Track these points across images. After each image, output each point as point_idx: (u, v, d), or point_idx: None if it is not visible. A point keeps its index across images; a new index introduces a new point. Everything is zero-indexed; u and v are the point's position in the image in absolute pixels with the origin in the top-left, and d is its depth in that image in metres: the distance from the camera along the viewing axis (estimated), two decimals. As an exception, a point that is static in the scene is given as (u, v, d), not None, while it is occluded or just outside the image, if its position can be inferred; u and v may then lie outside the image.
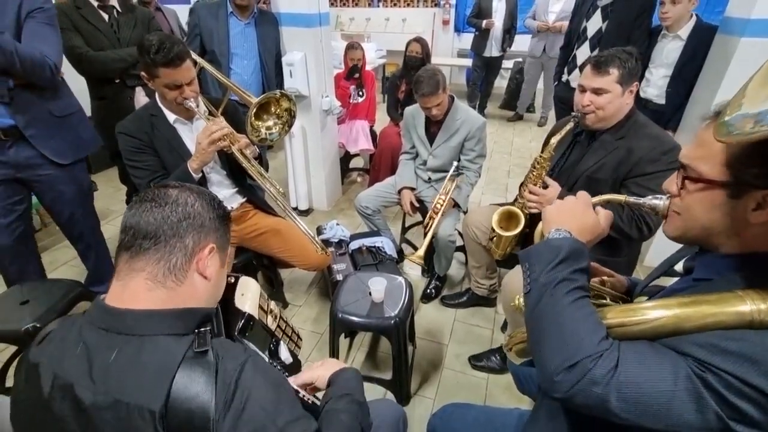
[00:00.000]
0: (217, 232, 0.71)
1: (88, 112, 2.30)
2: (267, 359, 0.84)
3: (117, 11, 2.08)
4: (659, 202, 0.72)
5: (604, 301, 0.88)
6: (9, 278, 1.86)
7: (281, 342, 0.98)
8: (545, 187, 1.51)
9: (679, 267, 0.78)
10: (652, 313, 0.61)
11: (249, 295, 0.88)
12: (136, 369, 0.58)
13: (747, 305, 0.54)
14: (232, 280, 0.88)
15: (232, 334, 0.82)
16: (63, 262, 2.49)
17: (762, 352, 0.51)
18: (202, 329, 0.64)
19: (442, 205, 2.03)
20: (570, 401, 0.61)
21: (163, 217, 0.65)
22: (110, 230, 2.89)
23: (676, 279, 0.78)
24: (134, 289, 0.63)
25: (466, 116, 2.11)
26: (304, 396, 0.80)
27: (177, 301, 0.65)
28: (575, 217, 0.78)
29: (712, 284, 0.63)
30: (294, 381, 0.83)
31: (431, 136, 2.20)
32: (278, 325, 0.98)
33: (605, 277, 0.94)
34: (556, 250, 0.69)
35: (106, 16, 2.05)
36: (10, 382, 1.71)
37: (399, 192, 2.26)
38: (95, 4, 2.01)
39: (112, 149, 2.26)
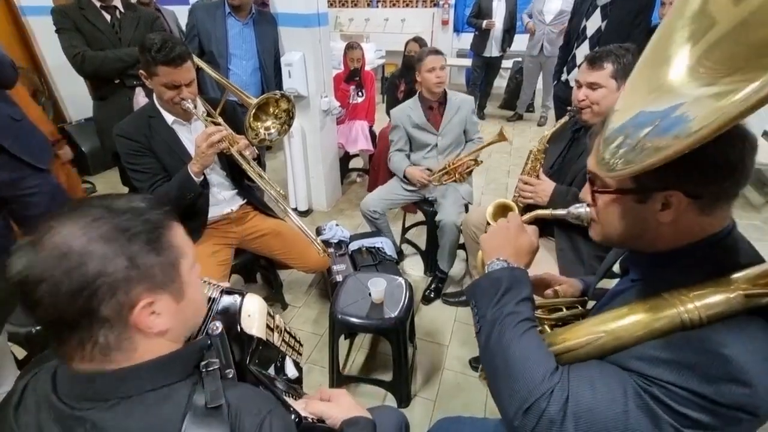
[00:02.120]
0: (144, 273, 0.51)
1: (89, 113, 2.30)
2: (273, 374, 0.81)
3: (119, 11, 2.07)
4: (582, 210, 0.73)
5: (561, 313, 0.88)
6: None
7: (287, 357, 0.95)
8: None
9: (616, 267, 0.79)
10: (594, 331, 0.61)
11: (256, 316, 0.81)
12: None
13: (675, 308, 0.54)
14: (237, 299, 0.81)
15: (242, 364, 0.76)
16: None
17: (695, 357, 0.51)
18: (211, 369, 0.55)
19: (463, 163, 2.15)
20: None
21: (51, 294, 0.46)
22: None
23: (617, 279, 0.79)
24: (82, 367, 0.51)
25: (457, 97, 2.23)
26: (314, 420, 0.76)
27: (144, 358, 0.53)
28: (509, 241, 0.78)
29: (645, 283, 0.64)
30: (304, 409, 0.78)
31: (435, 120, 2.21)
32: (282, 339, 0.92)
33: (557, 286, 0.94)
34: (497, 283, 0.69)
35: (108, 17, 2.04)
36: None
37: (404, 176, 2.24)
38: (98, 4, 2.00)
39: (112, 150, 2.25)
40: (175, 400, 0.51)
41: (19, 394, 0.55)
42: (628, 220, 0.63)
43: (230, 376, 0.65)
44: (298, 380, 0.96)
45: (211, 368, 0.55)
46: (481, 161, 2.21)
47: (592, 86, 1.39)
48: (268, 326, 0.85)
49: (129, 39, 2.09)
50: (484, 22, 4.41)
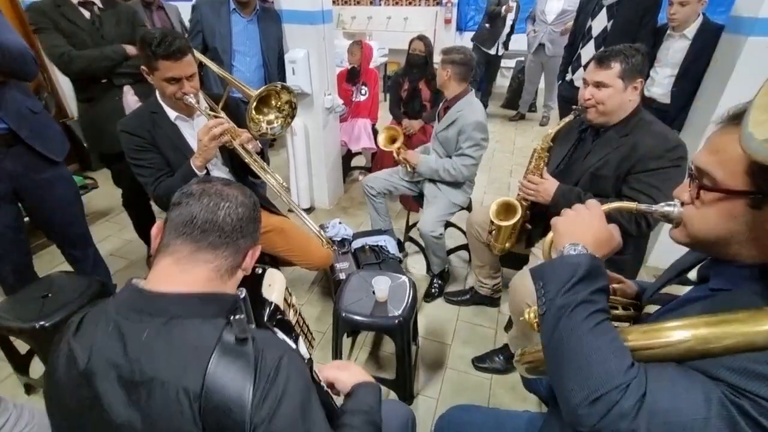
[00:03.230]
0: (260, 234, 0.76)
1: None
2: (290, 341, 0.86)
3: (98, 7, 1.97)
4: (672, 209, 0.68)
5: (617, 311, 0.86)
6: (9, 286, 1.79)
7: (300, 337, 0.98)
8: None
9: (691, 274, 0.74)
10: (679, 334, 0.58)
11: (276, 286, 0.90)
12: (169, 349, 0.59)
13: None
14: (260, 271, 0.92)
15: (261, 322, 0.85)
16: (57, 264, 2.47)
17: None
18: (237, 317, 0.66)
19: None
20: None
21: (238, 218, 0.69)
22: (111, 227, 2.88)
23: (688, 287, 0.74)
24: (195, 276, 0.66)
25: (466, 108, 2.03)
26: (323, 386, 0.82)
27: (220, 289, 0.68)
28: (590, 229, 0.73)
29: (731, 295, 0.60)
30: (318, 372, 0.84)
31: (441, 118, 2.19)
32: (297, 321, 1.00)
33: (615, 285, 0.91)
34: (574, 268, 0.65)
35: (87, 14, 1.94)
36: (32, 372, 1.72)
37: None
38: (75, 1, 1.90)
39: (103, 151, 2.18)
40: (209, 331, 0.61)
41: (77, 324, 0.66)
42: (731, 224, 0.58)
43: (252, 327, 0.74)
44: (308, 363, 0.98)
45: (238, 316, 0.66)
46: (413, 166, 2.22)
47: (599, 85, 1.38)
48: (285, 301, 0.93)
49: (112, 36, 1.98)
50: (503, 8, 4.39)
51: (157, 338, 0.60)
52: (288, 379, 0.61)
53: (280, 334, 0.82)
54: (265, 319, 0.84)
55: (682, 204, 0.66)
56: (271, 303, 0.86)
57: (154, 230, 0.73)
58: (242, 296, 0.75)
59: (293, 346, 0.82)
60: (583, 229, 0.73)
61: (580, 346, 0.60)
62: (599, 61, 1.38)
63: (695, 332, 0.56)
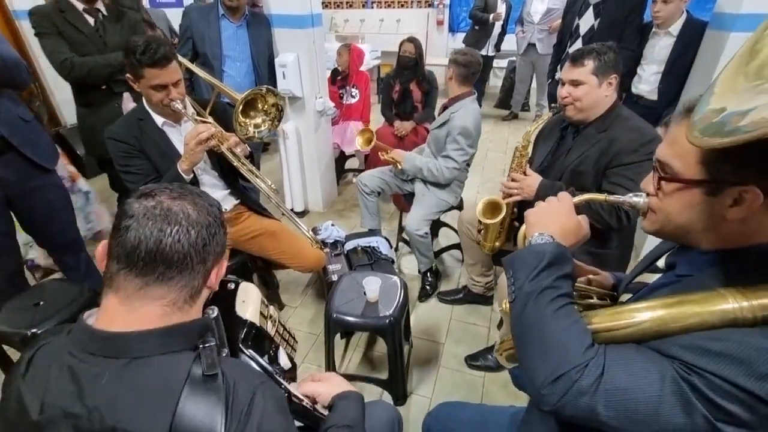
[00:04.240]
0: (225, 246, 0.68)
1: (73, 119, 2.26)
2: (267, 364, 0.82)
3: (103, 15, 2.01)
4: (639, 199, 0.71)
5: (591, 300, 0.87)
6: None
7: (280, 347, 0.97)
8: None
9: (661, 263, 0.77)
10: (638, 315, 0.61)
11: (250, 302, 0.86)
12: (133, 394, 0.54)
13: (729, 303, 0.54)
14: (233, 286, 0.85)
15: (236, 345, 0.79)
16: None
17: (747, 352, 0.50)
18: (207, 345, 0.60)
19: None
20: (559, 413, 0.59)
21: (190, 243, 0.59)
22: (105, 235, 2.88)
23: (659, 275, 0.77)
24: (146, 315, 0.58)
25: (459, 111, 2.03)
26: (306, 404, 0.80)
27: (183, 320, 0.62)
28: (558, 220, 0.76)
29: (694, 280, 0.63)
30: (297, 390, 0.82)
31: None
32: (277, 330, 0.96)
33: (590, 276, 0.94)
34: (539, 257, 0.68)
35: (91, 21, 1.98)
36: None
37: None
38: (80, 7, 1.94)
39: (100, 157, 2.21)
40: (178, 368, 0.56)
41: (26, 364, 0.59)
42: (692, 213, 0.61)
43: (225, 354, 0.69)
44: (292, 373, 0.98)
45: (208, 344, 0.60)
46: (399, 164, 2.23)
47: (574, 83, 1.41)
48: (261, 314, 0.88)
49: (114, 44, 2.01)
50: (492, 15, 4.40)
51: (118, 382, 0.54)
52: (263, 416, 0.57)
53: (253, 364, 0.77)
54: (240, 342, 0.79)
55: (648, 195, 0.69)
56: (246, 321, 0.81)
57: (99, 251, 0.61)
58: (213, 316, 0.69)
59: (269, 368, 0.79)
60: (552, 219, 0.76)
61: (543, 330, 0.63)
62: (573, 59, 1.41)
63: (653, 314, 0.59)
